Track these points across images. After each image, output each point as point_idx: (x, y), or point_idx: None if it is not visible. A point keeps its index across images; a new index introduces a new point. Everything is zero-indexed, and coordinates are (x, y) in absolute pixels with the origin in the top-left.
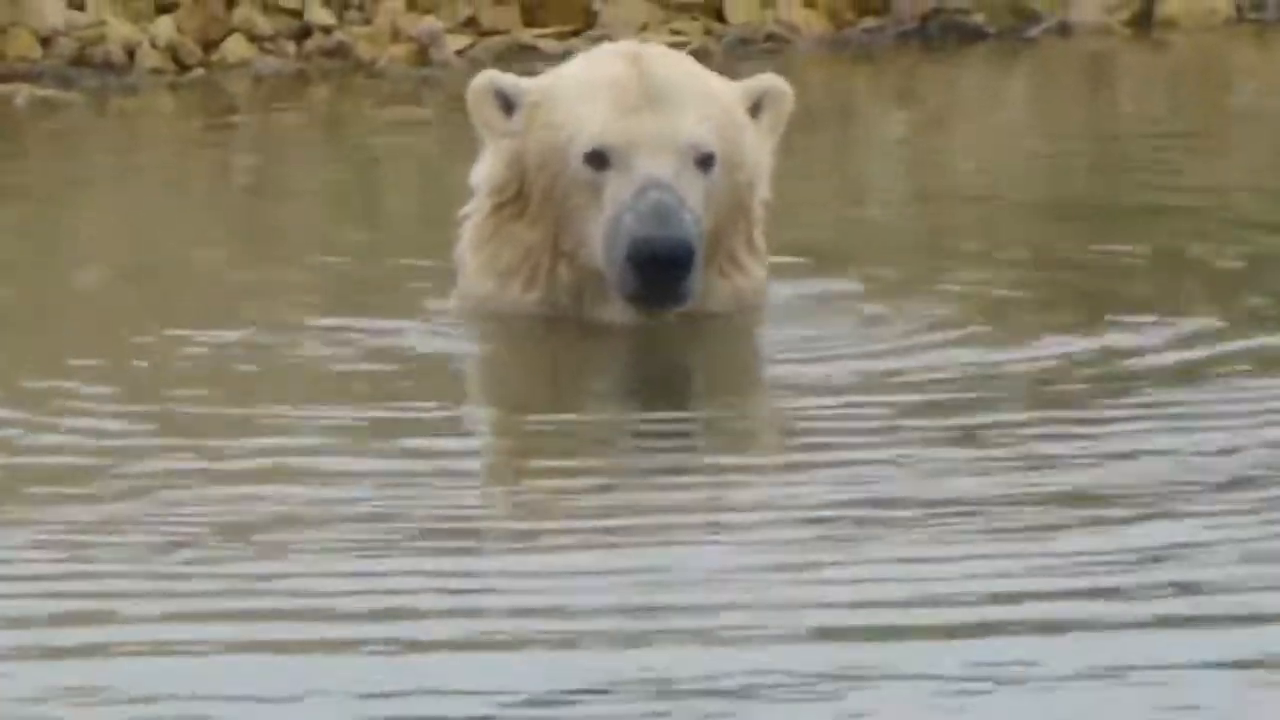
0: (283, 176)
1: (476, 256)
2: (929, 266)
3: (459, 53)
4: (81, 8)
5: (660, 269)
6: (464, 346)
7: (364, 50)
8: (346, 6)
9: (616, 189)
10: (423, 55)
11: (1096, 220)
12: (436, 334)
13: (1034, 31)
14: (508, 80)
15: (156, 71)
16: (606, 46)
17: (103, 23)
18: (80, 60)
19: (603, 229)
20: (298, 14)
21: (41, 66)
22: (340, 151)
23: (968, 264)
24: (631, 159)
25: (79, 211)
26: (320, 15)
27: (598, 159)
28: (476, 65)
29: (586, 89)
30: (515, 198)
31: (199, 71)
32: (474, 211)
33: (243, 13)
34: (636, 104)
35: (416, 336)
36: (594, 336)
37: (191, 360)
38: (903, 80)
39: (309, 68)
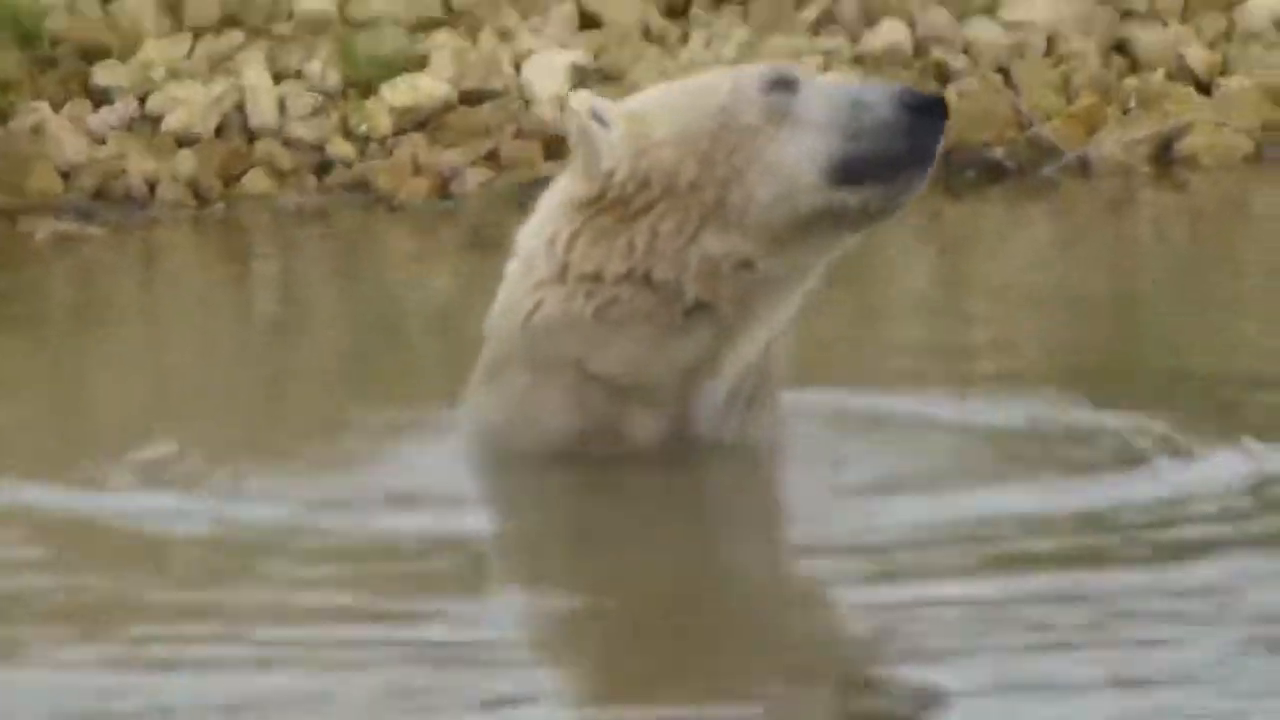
0: (302, 312)
1: (562, 300)
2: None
3: (480, 186)
4: (103, 142)
5: (929, 109)
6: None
7: (385, 184)
8: (368, 141)
9: (819, 94)
10: (443, 189)
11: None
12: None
13: (1053, 168)
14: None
15: (177, 205)
16: None
17: (123, 156)
18: (101, 194)
19: (822, 122)
20: (319, 148)
21: (62, 200)
22: (361, 287)
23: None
24: (816, 79)
25: (98, 345)
26: (341, 149)
27: (784, 84)
28: (497, 199)
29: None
30: (630, 215)
31: (220, 206)
32: (535, 290)
33: (264, 147)
34: None
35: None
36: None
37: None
38: (921, 218)
39: (330, 201)
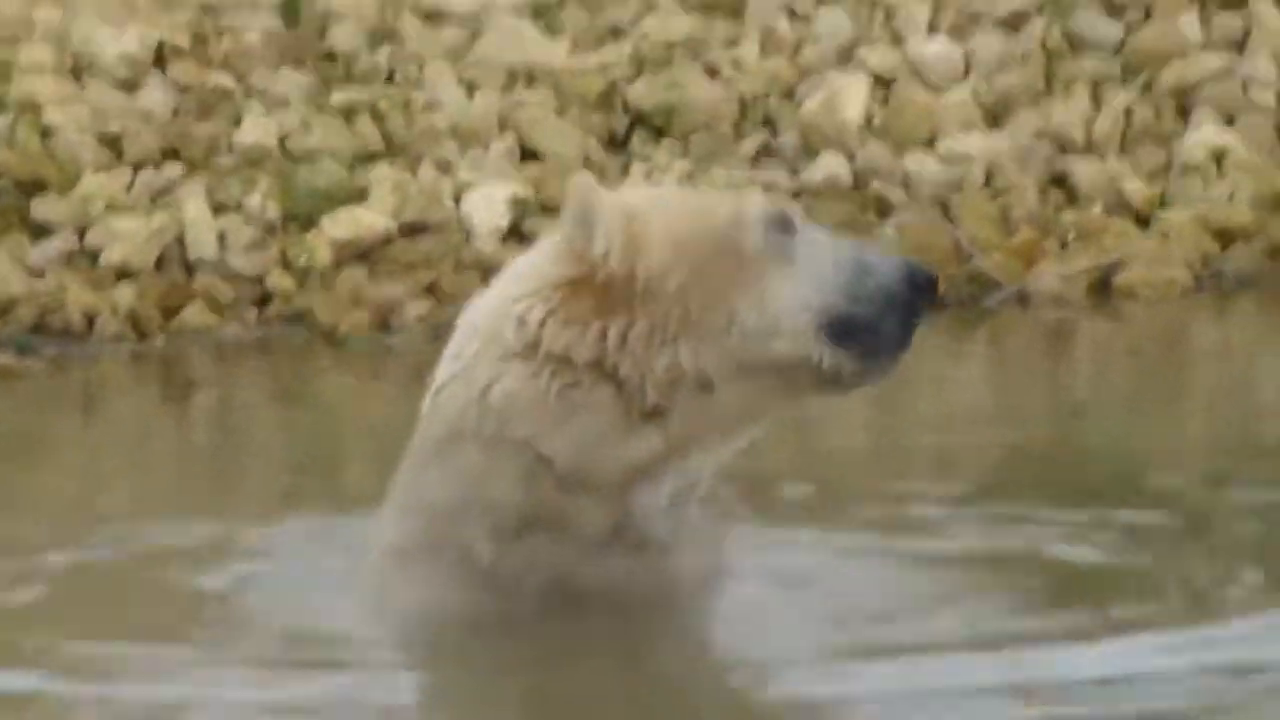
0: (241, 444)
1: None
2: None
3: (420, 318)
4: (41, 275)
5: (930, 293)
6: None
7: (325, 317)
8: (307, 273)
9: (820, 243)
10: (384, 322)
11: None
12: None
13: (993, 301)
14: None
15: (117, 339)
16: None
17: (62, 290)
18: (40, 328)
19: (826, 274)
20: (259, 281)
21: (0, 334)
22: (301, 419)
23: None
24: (808, 224)
25: (35, 477)
26: (281, 282)
27: (784, 224)
28: (438, 331)
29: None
30: (610, 306)
31: (159, 339)
32: (499, 361)
33: (203, 279)
34: None
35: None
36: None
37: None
38: None
39: (269, 334)
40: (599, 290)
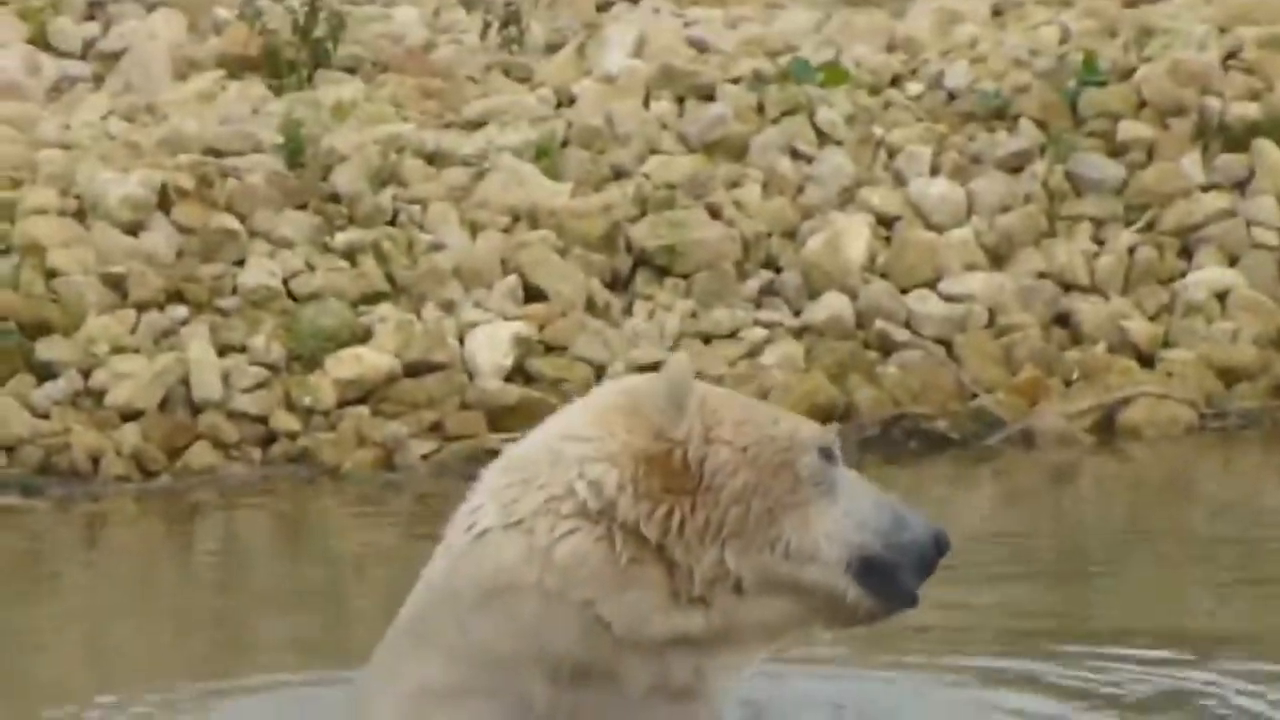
0: (247, 584)
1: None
2: None
3: (424, 457)
4: (46, 416)
5: (943, 555)
6: None
7: (328, 455)
8: (311, 413)
9: (851, 483)
10: (388, 460)
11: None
12: None
13: (996, 439)
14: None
15: (121, 479)
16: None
17: (67, 431)
18: (45, 469)
19: (867, 517)
20: (263, 420)
21: (5, 476)
22: (306, 559)
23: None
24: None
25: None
26: (285, 421)
27: (830, 454)
28: (442, 470)
29: (749, 399)
30: (679, 489)
31: (164, 479)
32: (569, 518)
33: (208, 420)
34: None
35: None
36: None
37: None
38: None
39: (273, 474)
40: (672, 472)
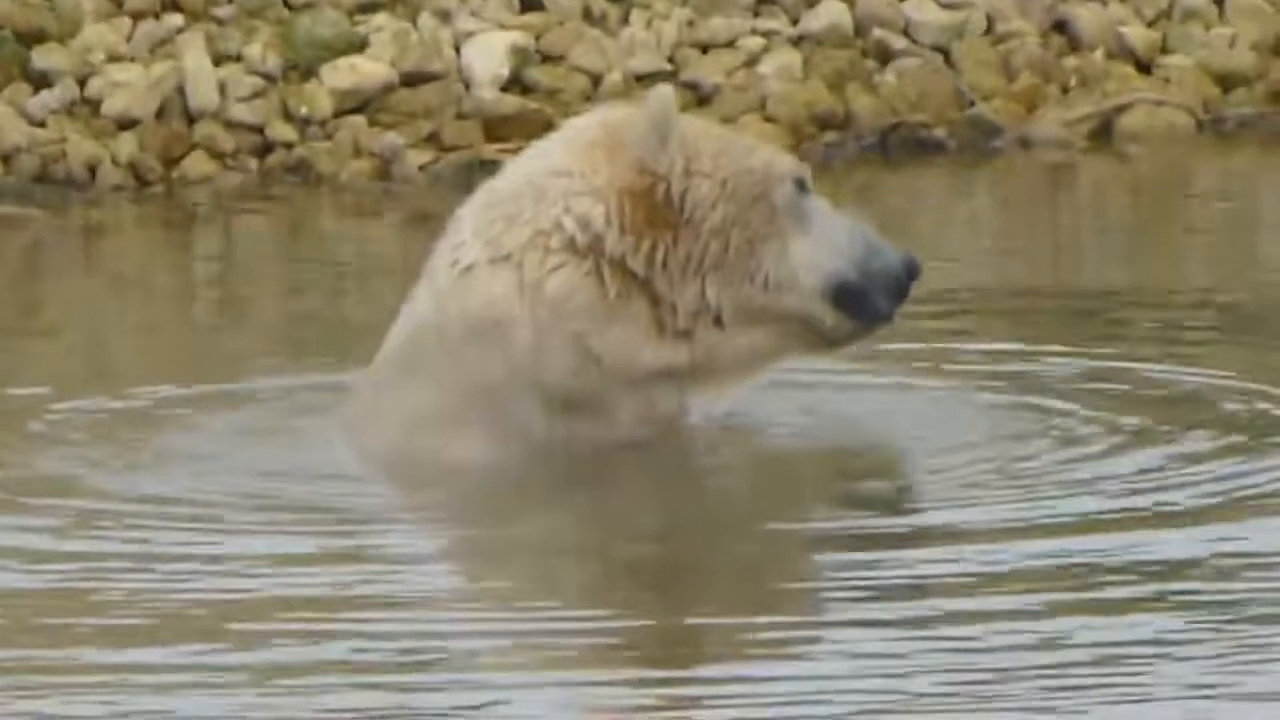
0: (244, 290)
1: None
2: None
3: (421, 168)
4: (43, 125)
5: (914, 281)
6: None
7: (325, 166)
8: (308, 123)
9: (824, 213)
10: (384, 170)
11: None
12: None
13: (995, 144)
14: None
15: (118, 188)
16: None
17: (63, 140)
18: (41, 178)
19: (841, 246)
20: (259, 130)
21: (2, 183)
22: (303, 266)
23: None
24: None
25: (36, 328)
26: (282, 131)
27: (803, 184)
28: (438, 181)
29: (725, 130)
30: (662, 223)
31: (160, 188)
32: (558, 252)
33: (204, 129)
34: None
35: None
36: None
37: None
38: (863, 192)
39: (270, 183)
40: (655, 206)
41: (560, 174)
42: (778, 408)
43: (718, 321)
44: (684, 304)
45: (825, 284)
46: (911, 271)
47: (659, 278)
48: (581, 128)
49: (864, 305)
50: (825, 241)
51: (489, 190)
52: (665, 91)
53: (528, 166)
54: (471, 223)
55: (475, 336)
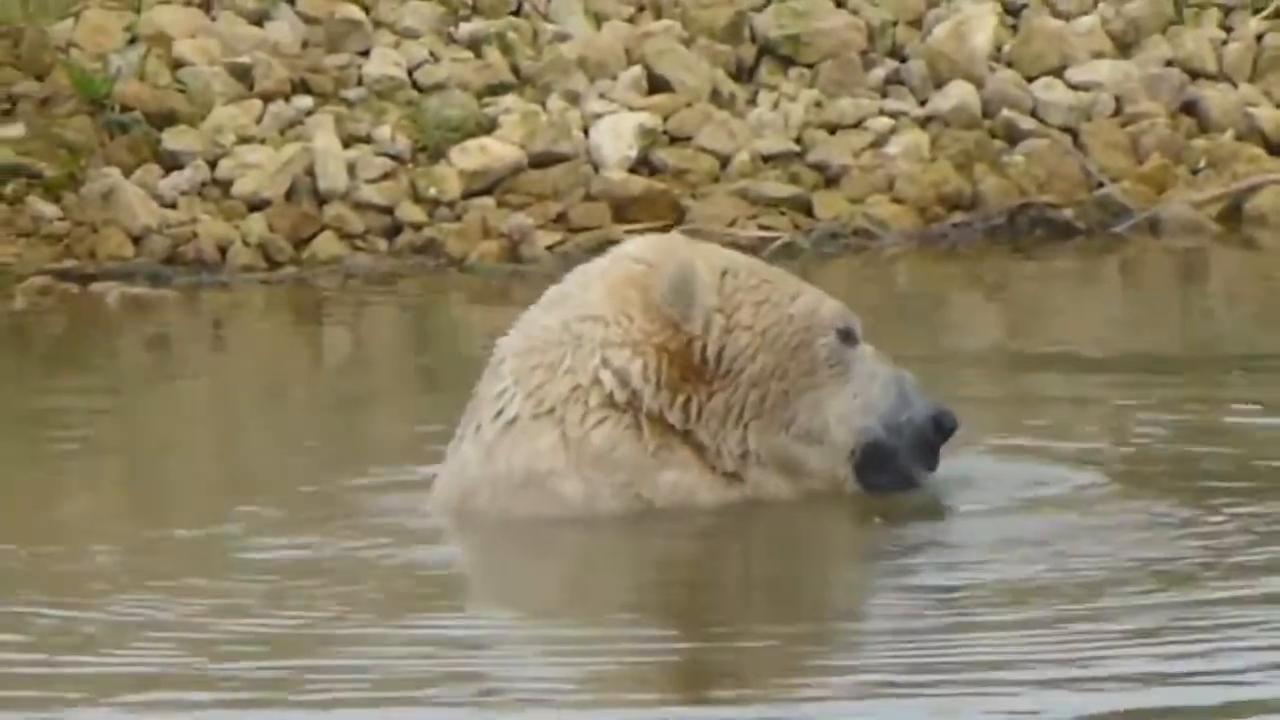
0: (373, 375)
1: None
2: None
3: (549, 249)
4: (173, 206)
5: (948, 436)
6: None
7: (454, 247)
8: (437, 204)
9: (866, 364)
10: (513, 252)
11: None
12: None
13: (1123, 227)
14: (693, 262)
15: (248, 269)
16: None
17: (194, 221)
18: (172, 258)
19: (873, 398)
20: (388, 211)
21: (133, 265)
22: (431, 351)
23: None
24: (864, 346)
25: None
26: (411, 212)
27: (848, 335)
28: (567, 261)
29: (767, 267)
30: (698, 378)
31: (290, 269)
32: (598, 409)
33: (333, 210)
34: None
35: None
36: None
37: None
38: (991, 275)
39: (399, 264)
40: (690, 363)
41: (597, 320)
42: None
43: (761, 463)
44: (728, 450)
45: (853, 443)
46: (942, 427)
47: (699, 428)
48: (614, 265)
49: (886, 469)
50: (860, 394)
51: (527, 330)
52: (683, 257)
53: (566, 307)
54: (513, 369)
55: (525, 488)
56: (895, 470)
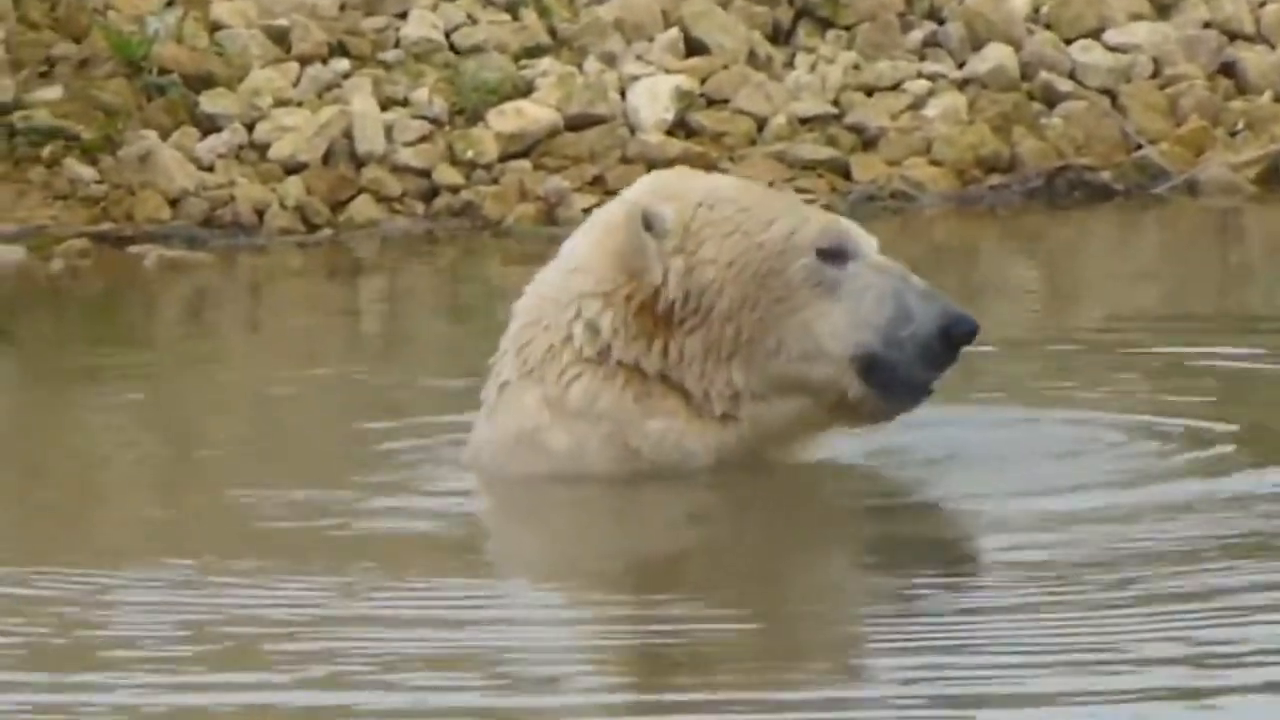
0: (409, 337)
1: (596, 408)
2: None
3: (585, 212)
4: (211, 169)
5: (963, 346)
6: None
7: (491, 210)
8: (474, 167)
9: (861, 279)
10: (550, 214)
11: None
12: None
13: (1161, 189)
14: (652, 206)
15: (285, 231)
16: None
17: (231, 184)
18: (209, 221)
19: (865, 314)
20: (425, 174)
21: (170, 228)
22: (468, 313)
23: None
24: (866, 252)
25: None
26: (448, 175)
27: (835, 254)
28: None
29: (760, 193)
30: (668, 324)
31: (327, 231)
32: (572, 364)
33: (370, 173)
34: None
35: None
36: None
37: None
38: (1029, 238)
39: (436, 227)
40: (658, 311)
41: (580, 272)
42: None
43: (757, 396)
44: (716, 390)
45: (850, 356)
46: (950, 335)
47: (681, 371)
48: (606, 213)
49: (891, 379)
50: (849, 311)
51: (534, 288)
52: (633, 208)
53: (563, 259)
54: (513, 330)
55: (516, 446)
56: (899, 381)
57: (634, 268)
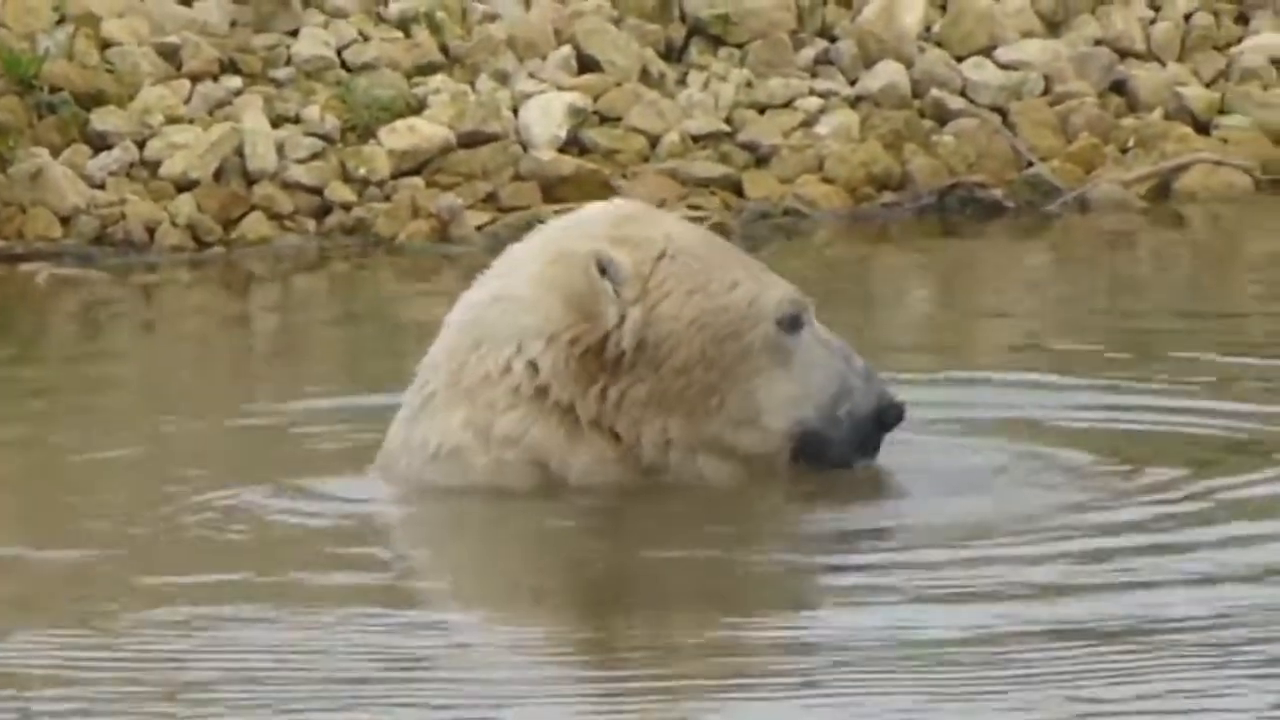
0: (300, 350)
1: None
2: None
3: (479, 229)
4: (102, 187)
5: (893, 427)
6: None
7: (384, 227)
8: (366, 184)
9: (810, 351)
10: (443, 231)
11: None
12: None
13: (1052, 206)
14: (609, 253)
15: (177, 249)
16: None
17: (123, 201)
18: (101, 239)
19: (811, 389)
20: (318, 191)
21: (62, 245)
22: (359, 330)
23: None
24: (811, 319)
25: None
26: (340, 192)
27: (793, 322)
28: (497, 241)
29: (720, 248)
30: (614, 370)
31: (219, 249)
32: (506, 396)
33: (262, 190)
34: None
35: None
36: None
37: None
38: (921, 255)
39: (329, 244)
40: (605, 357)
41: (521, 303)
42: None
43: (687, 450)
44: (648, 439)
45: (788, 432)
46: (885, 420)
47: (616, 418)
48: (555, 242)
49: (821, 456)
50: (794, 384)
51: (469, 302)
52: (598, 252)
53: (502, 281)
54: (443, 342)
55: (435, 460)
56: (831, 459)
57: (587, 311)
